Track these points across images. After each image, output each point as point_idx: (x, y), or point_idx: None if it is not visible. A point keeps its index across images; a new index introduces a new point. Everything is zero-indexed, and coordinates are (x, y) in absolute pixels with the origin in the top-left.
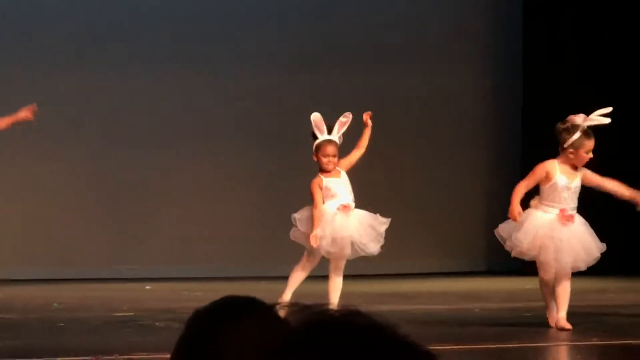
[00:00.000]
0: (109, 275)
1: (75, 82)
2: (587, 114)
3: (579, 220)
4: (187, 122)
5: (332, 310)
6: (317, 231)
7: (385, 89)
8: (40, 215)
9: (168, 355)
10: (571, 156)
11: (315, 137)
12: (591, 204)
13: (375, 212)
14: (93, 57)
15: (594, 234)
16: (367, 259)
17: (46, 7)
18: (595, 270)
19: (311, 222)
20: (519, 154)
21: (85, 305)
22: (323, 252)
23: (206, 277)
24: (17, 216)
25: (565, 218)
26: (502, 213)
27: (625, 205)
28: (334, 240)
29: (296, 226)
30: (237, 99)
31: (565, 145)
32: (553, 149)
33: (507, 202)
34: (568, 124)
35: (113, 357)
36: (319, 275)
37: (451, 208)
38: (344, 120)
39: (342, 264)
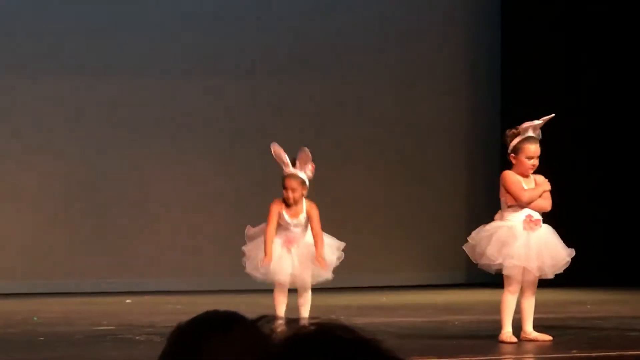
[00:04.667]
0: (88, 289)
1: (50, 90)
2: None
3: (545, 225)
4: (166, 135)
5: (315, 324)
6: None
7: (362, 103)
8: (19, 229)
9: None
10: (514, 162)
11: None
12: (570, 215)
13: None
14: (68, 65)
15: (560, 239)
16: (348, 269)
17: (19, 7)
18: (574, 282)
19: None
20: (497, 170)
21: (65, 319)
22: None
23: (187, 290)
24: None
25: (533, 222)
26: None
27: (603, 217)
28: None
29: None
30: (212, 113)
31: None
32: None
33: (486, 216)
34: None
35: None
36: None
37: (431, 221)
38: (303, 156)
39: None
